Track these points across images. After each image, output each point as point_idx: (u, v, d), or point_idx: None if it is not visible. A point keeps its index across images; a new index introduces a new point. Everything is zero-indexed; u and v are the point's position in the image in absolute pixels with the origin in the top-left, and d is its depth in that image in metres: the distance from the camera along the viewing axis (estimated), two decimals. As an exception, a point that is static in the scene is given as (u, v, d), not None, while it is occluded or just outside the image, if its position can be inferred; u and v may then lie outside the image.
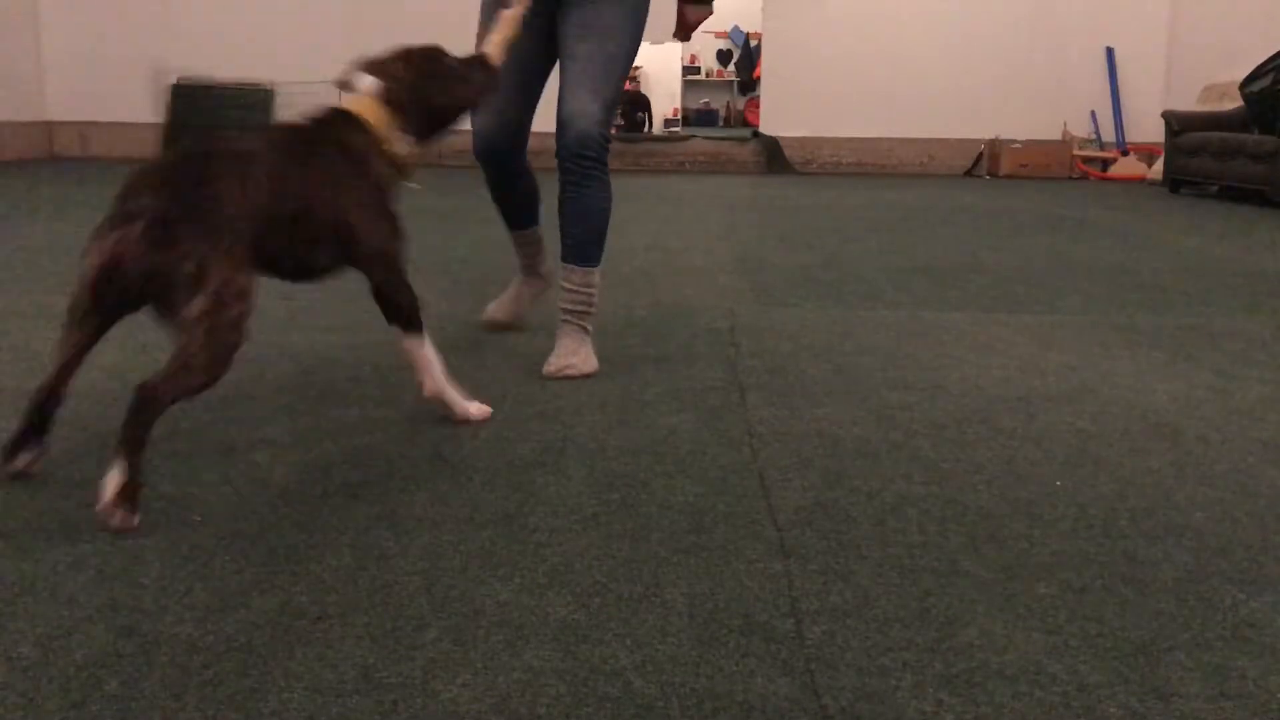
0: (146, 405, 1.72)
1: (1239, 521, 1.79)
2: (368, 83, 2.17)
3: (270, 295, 3.63)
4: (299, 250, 2.03)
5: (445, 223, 5.75)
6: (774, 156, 10.57)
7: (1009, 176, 10.21)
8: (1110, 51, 10.34)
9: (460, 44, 2.62)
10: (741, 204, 7.38)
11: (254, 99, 10.52)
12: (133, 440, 1.70)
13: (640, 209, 6.60)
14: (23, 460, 1.89)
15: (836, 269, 4.44)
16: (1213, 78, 9.27)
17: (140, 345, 2.88)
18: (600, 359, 2.81)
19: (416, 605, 1.45)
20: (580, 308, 2.75)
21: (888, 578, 1.56)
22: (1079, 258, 4.90)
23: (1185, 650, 1.37)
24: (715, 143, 11.03)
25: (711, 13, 2.86)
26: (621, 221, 5.34)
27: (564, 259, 2.72)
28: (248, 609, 1.43)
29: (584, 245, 2.71)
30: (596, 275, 2.76)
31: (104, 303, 1.83)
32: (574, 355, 2.69)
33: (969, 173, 10.52)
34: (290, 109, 10.43)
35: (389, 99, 2.16)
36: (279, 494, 1.85)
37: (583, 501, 1.84)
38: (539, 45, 2.73)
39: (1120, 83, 10.32)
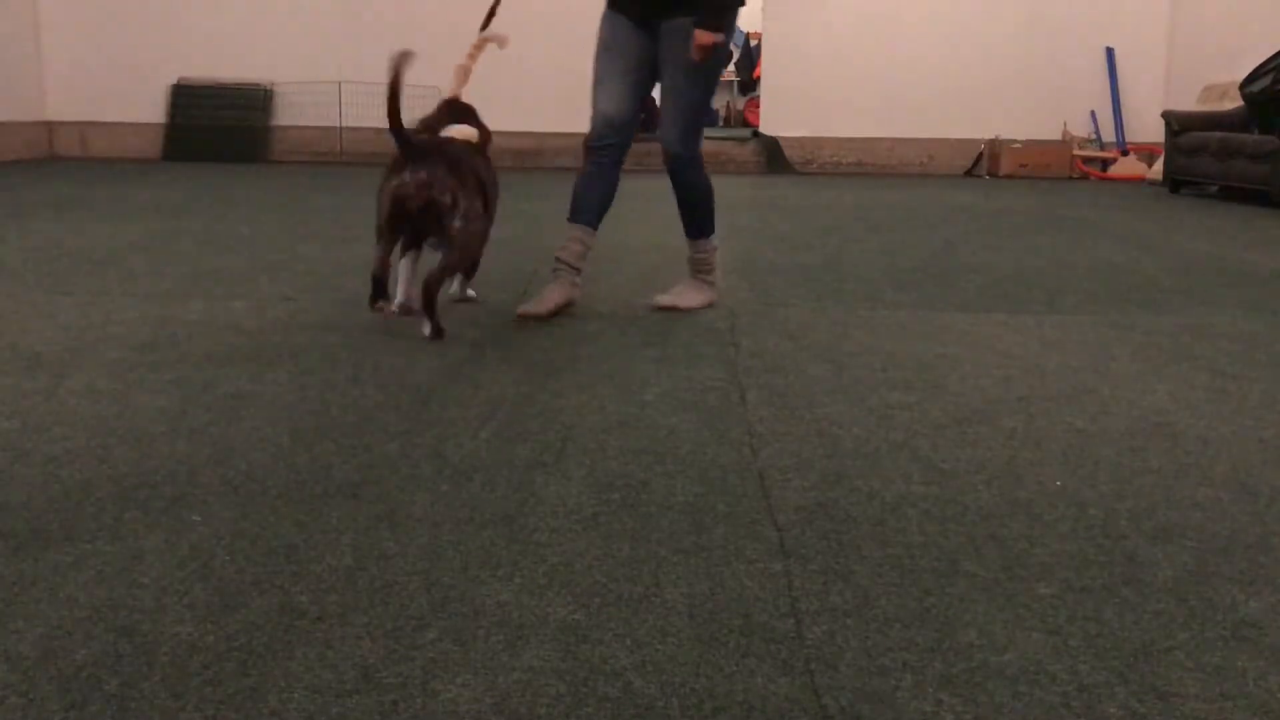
0: (431, 287, 2.99)
1: (1239, 521, 1.79)
2: (461, 128, 3.40)
3: (270, 296, 3.63)
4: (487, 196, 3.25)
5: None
6: (774, 156, 10.57)
7: (1009, 176, 10.21)
8: (1110, 51, 10.34)
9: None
10: (741, 204, 7.38)
11: (254, 99, 10.53)
12: (431, 307, 2.98)
13: (640, 209, 6.60)
14: (382, 306, 3.11)
15: (836, 269, 4.44)
16: (1213, 78, 9.27)
17: (139, 344, 2.88)
18: (600, 359, 2.82)
19: (416, 605, 1.45)
20: (700, 268, 3.59)
21: (888, 578, 1.56)
22: (1079, 258, 4.90)
23: (1185, 650, 1.37)
24: (715, 143, 11.02)
25: (717, 39, 3.22)
26: (622, 221, 5.35)
27: (687, 235, 3.58)
28: (248, 609, 1.43)
29: (691, 225, 3.53)
30: (708, 243, 3.56)
31: (396, 224, 3.05)
32: (682, 295, 3.55)
33: (969, 173, 10.52)
34: (289, 108, 10.44)
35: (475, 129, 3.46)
36: (279, 494, 1.85)
37: (583, 501, 1.84)
38: (644, 55, 3.36)
39: (1120, 83, 10.32)
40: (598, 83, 3.36)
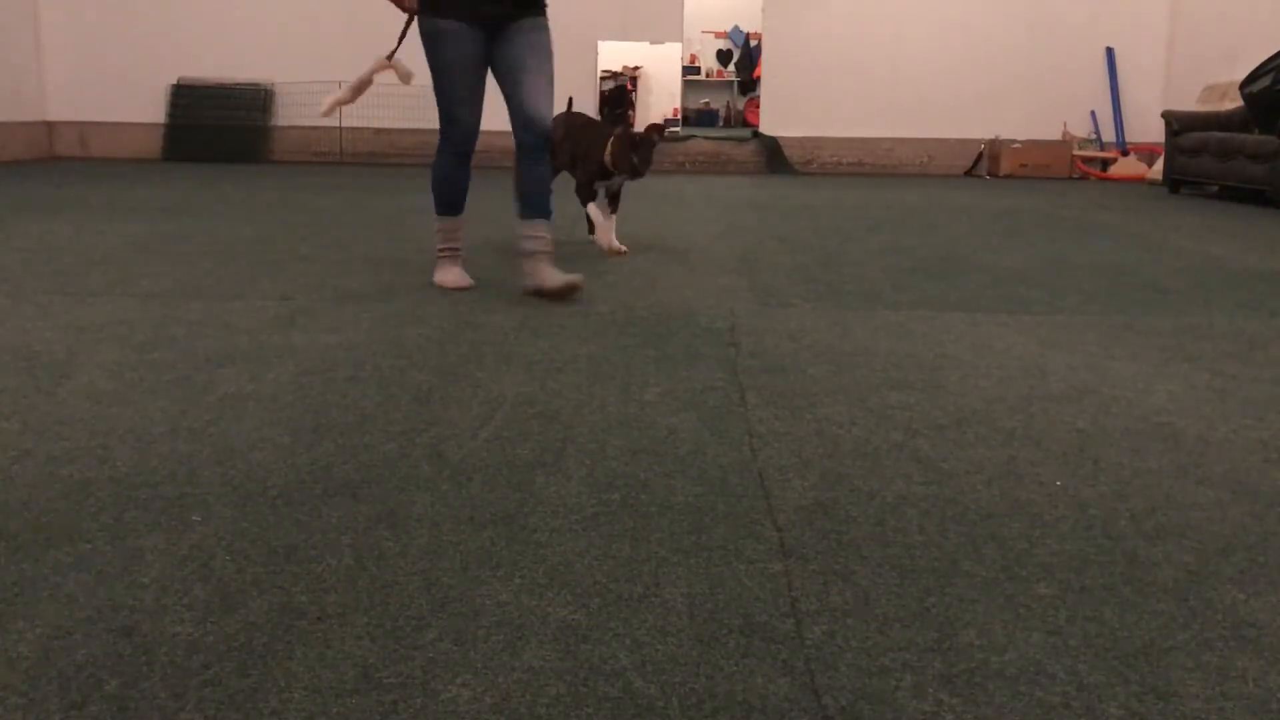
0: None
1: (1239, 521, 1.79)
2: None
3: (270, 296, 3.63)
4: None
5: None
6: (774, 156, 10.57)
7: (1009, 176, 10.21)
8: (1110, 51, 10.34)
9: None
10: (741, 204, 7.38)
11: (254, 99, 10.53)
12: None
13: (640, 209, 6.60)
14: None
15: (836, 269, 4.44)
16: (1213, 78, 9.27)
17: (139, 344, 2.88)
18: (600, 359, 2.82)
19: (416, 605, 1.45)
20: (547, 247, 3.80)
21: (888, 578, 1.56)
22: (1079, 258, 4.90)
23: (1185, 650, 1.37)
24: (715, 143, 11.02)
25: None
26: (621, 221, 5.34)
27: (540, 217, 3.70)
28: (248, 609, 1.43)
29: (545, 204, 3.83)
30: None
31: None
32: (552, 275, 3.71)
33: (969, 173, 10.52)
34: (289, 108, 10.44)
35: None
36: (279, 494, 1.85)
37: (583, 501, 1.84)
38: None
39: (1120, 83, 10.33)
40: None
